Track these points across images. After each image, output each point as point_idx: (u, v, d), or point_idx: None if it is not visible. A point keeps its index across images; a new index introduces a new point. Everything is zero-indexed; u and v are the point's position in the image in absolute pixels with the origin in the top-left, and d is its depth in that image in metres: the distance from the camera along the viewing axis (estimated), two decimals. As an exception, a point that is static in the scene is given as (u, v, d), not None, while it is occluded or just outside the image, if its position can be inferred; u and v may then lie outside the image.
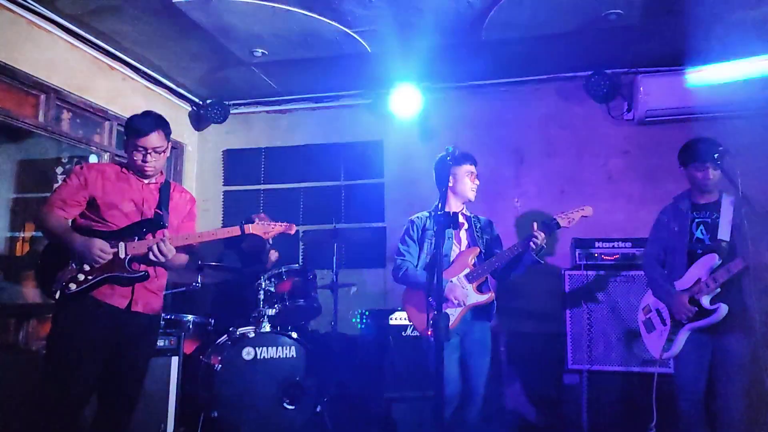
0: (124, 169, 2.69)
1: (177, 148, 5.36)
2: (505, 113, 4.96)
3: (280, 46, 4.32)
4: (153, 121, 2.65)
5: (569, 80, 4.85)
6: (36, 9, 3.72)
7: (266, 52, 4.42)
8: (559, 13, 3.82)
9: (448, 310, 2.75)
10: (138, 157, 2.61)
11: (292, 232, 2.89)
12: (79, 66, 4.18)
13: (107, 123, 4.52)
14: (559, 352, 4.37)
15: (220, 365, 3.53)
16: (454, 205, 3.03)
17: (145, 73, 4.75)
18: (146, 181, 2.71)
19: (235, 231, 2.74)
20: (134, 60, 4.57)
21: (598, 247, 3.99)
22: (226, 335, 3.84)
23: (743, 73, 4.31)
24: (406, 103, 4.84)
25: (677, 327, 3.02)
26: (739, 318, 2.89)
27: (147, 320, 2.64)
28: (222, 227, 2.77)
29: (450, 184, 2.91)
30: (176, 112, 5.35)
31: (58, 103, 4.06)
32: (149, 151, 2.61)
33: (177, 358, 3.41)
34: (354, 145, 5.32)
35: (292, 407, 3.57)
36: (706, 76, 4.37)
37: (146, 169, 2.64)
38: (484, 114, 4.96)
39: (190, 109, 5.50)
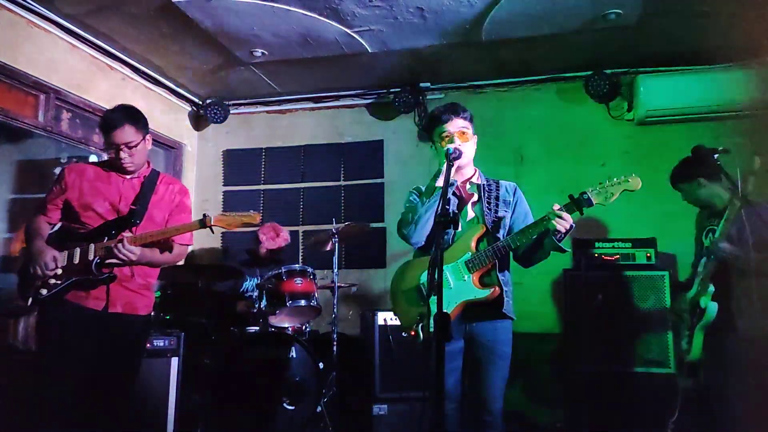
0: (106, 167, 2.64)
1: (177, 148, 5.36)
2: (505, 113, 4.97)
3: (280, 46, 4.31)
4: (121, 115, 2.53)
5: (569, 80, 4.85)
6: (36, 9, 3.72)
7: (266, 52, 4.42)
8: (559, 13, 3.81)
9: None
10: (113, 154, 2.53)
11: (257, 221, 2.61)
12: (79, 66, 4.18)
13: (107, 123, 4.52)
14: (558, 352, 4.37)
15: (219, 365, 3.52)
16: (459, 177, 2.57)
17: (145, 73, 4.75)
18: (128, 177, 2.63)
19: (195, 225, 2.55)
20: (134, 60, 4.57)
21: (598, 248, 3.98)
22: (226, 335, 3.84)
23: (742, 73, 4.31)
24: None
25: (692, 330, 3.08)
26: (727, 317, 2.94)
27: (129, 321, 2.57)
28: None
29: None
30: (176, 112, 5.34)
31: (58, 103, 4.06)
32: (121, 146, 2.52)
33: (177, 358, 3.40)
34: (354, 145, 5.32)
35: (292, 407, 3.56)
36: (705, 76, 4.38)
37: (124, 165, 2.57)
38: (484, 114, 4.95)
39: (190, 109, 5.49)
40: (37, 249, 2.46)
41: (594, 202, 2.22)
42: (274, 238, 4.31)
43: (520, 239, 2.33)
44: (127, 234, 2.51)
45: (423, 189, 2.61)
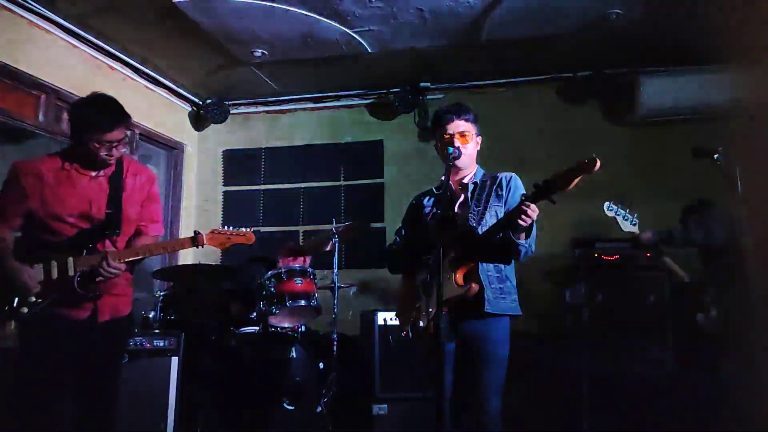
0: (66, 164, 2.39)
1: (177, 148, 5.36)
2: (505, 113, 4.96)
3: (280, 46, 4.31)
4: (118, 115, 2.37)
5: (569, 80, 4.85)
6: (36, 9, 3.72)
7: (266, 52, 4.42)
8: (559, 13, 3.82)
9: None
10: (102, 151, 2.34)
11: (251, 241, 2.55)
12: (80, 66, 4.18)
13: (107, 123, 4.52)
14: (558, 353, 4.37)
15: (220, 365, 3.52)
16: (455, 177, 2.57)
17: (145, 73, 4.75)
18: (93, 174, 2.42)
19: (186, 243, 2.46)
20: (134, 60, 4.57)
21: (598, 247, 3.98)
22: (226, 335, 3.84)
23: (742, 73, 4.31)
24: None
25: None
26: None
27: (114, 324, 2.47)
28: (222, 228, 2.63)
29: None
30: (176, 112, 5.34)
31: (58, 103, 4.05)
32: (115, 144, 2.36)
33: (177, 358, 3.40)
34: (354, 145, 5.33)
35: (292, 407, 3.57)
36: (705, 76, 4.38)
37: (110, 161, 2.41)
38: (484, 114, 4.90)
39: (189, 109, 5.49)
40: (10, 268, 2.27)
41: (556, 189, 2.08)
42: (291, 262, 4.27)
43: (495, 232, 2.27)
44: (110, 248, 2.37)
45: (424, 200, 2.66)
